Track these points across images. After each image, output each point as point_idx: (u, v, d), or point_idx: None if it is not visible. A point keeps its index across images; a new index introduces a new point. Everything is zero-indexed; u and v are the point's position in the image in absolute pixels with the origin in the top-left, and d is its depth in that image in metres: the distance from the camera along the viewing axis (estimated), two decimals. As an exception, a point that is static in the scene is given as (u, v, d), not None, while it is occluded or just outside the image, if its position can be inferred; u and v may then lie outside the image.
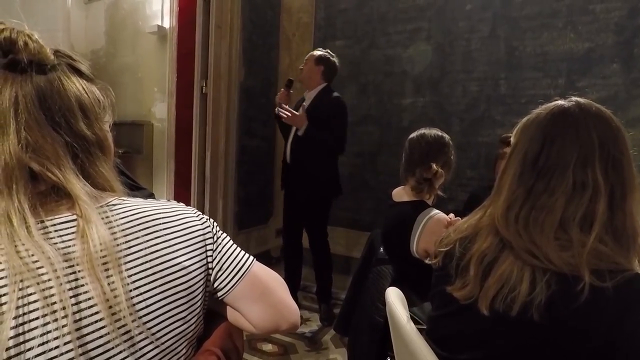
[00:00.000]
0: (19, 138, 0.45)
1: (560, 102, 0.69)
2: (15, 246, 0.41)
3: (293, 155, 2.33)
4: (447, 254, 0.75)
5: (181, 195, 3.04)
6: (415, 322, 0.89)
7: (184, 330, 0.52)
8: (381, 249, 1.41)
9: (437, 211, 1.28)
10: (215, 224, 0.61)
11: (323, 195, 2.37)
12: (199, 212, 0.59)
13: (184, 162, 2.88)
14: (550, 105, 0.69)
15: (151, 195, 1.27)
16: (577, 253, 0.57)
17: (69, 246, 0.44)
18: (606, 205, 0.59)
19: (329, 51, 2.38)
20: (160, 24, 3.11)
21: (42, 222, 0.45)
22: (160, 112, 3.26)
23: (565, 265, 0.57)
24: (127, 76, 3.40)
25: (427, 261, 1.27)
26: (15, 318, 0.39)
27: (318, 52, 2.35)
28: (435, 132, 1.39)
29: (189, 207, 0.59)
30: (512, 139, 0.74)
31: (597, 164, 0.61)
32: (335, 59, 2.36)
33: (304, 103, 2.37)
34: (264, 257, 3.01)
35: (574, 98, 0.68)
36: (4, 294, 0.39)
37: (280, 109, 2.22)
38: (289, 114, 2.18)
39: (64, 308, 0.41)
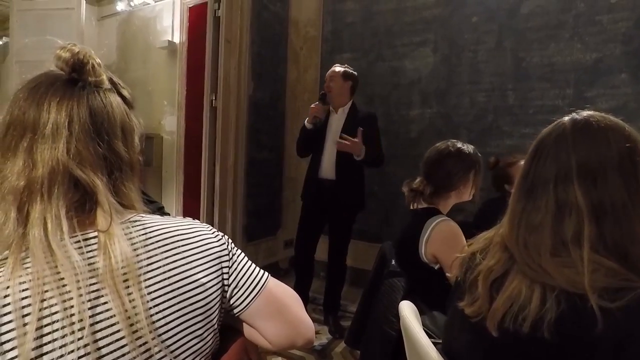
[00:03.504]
0: (68, 147, 0.48)
1: (565, 118, 0.68)
2: (44, 253, 0.42)
3: (341, 171, 2.28)
4: (463, 264, 0.76)
5: (190, 207, 3.07)
6: (429, 336, 0.89)
7: (200, 348, 0.52)
8: (393, 262, 1.41)
9: (445, 217, 1.28)
10: (230, 240, 0.61)
11: (358, 208, 2.39)
12: (214, 229, 0.60)
13: (193, 174, 2.91)
14: (554, 123, 0.69)
15: (161, 209, 1.29)
16: (580, 271, 0.56)
17: (95, 262, 0.45)
18: (592, 222, 0.58)
19: (347, 65, 2.37)
20: (170, 39, 3.19)
21: (76, 235, 0.46)
22: (169, 124, 3.31)
23: (568, 283, 0.56)
24: (137, 90, 3.47)
25: (436, 267, 1.27)
26: (37, 329, 0.40)
27: (341, 69, 2.32)
28: (444, 146, 1.38)
29: (203, 223, 0.60)
30: None
31: (576, 181, 0.60)
32: (356, 73, 2.36)
33: (333, 119, 2.34)
34: (272, 269, 3.01)
35: (580, 113, 0.67)
36: (28, 305, 0.40)
37: (340, 139, 2.15)
38: (349, 142, 2.12)
39: (81, 320, 0.41)
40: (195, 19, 3.02)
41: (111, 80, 0.56)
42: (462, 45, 2.63)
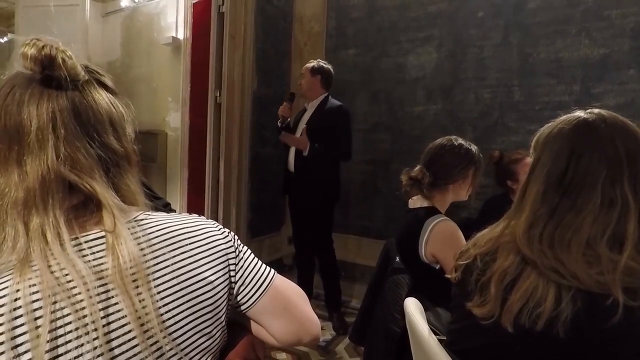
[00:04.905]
0: (57, 152, 0.46)
1: (583, 114, 0.67)
2: (49, 264, 0.42)
3: (297, 165, 2.35)
4: (467, 268, 0.74)
5: (194, 203, 3.08)
6: (434, 332, 0.89)
7: (209, 345, 0.52)
8: (397, 258, 1.41)
9: (445, 217, 1.28)
10: (237, 237, 0.61)
11: (325, 201, 2.40)
12: (220, 226, 0.60)
13: (198, 171, 2.91)
14: (572, 118, 0.67)
15: (167, 205, 1.29)
16: (606, 270, 0.55)
17: (101, 263, 0.45)
18: (637, 224, 0.57)
19: (320, 60, 2.44)
20: (174, 35, 3.18)
21: (76, 238, 0.45)
22: (174, 121, 3.32)
23: (593, 283, 0.55)
24: (142, 86, 3.47)
25: (437, 267, 1.27)
26: (50, 332, 0.39)
27: (311, 64, 2.40)
28: (447, 139, 1.39)
29: (210, 220, 0.59)
30: (531, 152, 0.72)
31: (626, 181, 0.59)
32: (329, 67, 2.42)
33: (305, 114, 2.41)
34: (276, 265, 3.02)
35: (596, 110, 0.67)
36: (39, 308, 0.40)
37: (281, 137, 2.28)
38: (291, 139, 2.23)
39: (93, 322, 0.41)
40: (199, 15, 3.01)
41: (87, 69, 0.52)
42: (467, 40, 2.61)
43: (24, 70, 0.48)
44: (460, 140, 1.38)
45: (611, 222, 0.59)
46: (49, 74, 0.48)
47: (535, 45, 2.39)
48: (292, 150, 2.39)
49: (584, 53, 2.25)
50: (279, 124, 2.39)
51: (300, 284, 2.45)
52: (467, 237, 1.22)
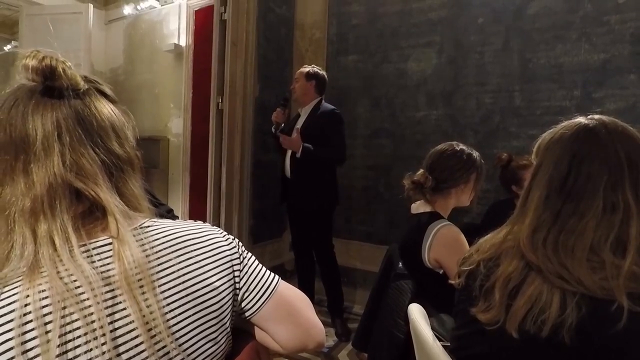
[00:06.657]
0: (63, 159, 0.47)
1: (584, 120, 0.67)
2: (57, 270, 0.42)
3: (293, 170, 2.36)
4: (470, 274, 0.74)
5: (196, 209, 3.08)
6: (438, 339, 0.88)
7: (215, 351, 0.52)
8: (400, 264, 1.41)
9: (448, 222, 1.29)
10: (241, 243, 0.62)
11: (323, 206, 2.40)
12: (225, 232, 0.60)
13: (199, 177, 2.92)
14: (573, 124, 0.68)
15: (170, 211, 1.29)
16: (610, 276, 0.55)
17: (109, 269, 0.45)
18: (639, 228, 0.58)
19: (314, 66, 2.47)
20: (176, 42, 3.21)
21: (84, 245, 0.46)
22: (176, 127, 3.34)
23: (598, 289, 0.55)
24: (144, 93, 3.50)
25: (440, 272, 1.27)
26: (60, 337, 0.40)
27: (306, 69, 2.42)
28: (448, 145, 1.40)
29: (214, 227, 0.60)
30: (533, 157, 0.73)
31: (627, 186, 0.60)
32: (323, 73, 2.45)
33: (299, 119, 2.42)
34: (278, 271, 3.00)
35: (596, 116, 0.67)
36: (48, 313, 0.40)
37: (276, 139, 2.29)
38: (284, 140, 2.24)
39: (101, 327, 0.42)
40: (202, 22, 3.04)
41: (87, 79, 0.54)
42: (468, 46, 2.62)
43: (26, 82, 0.49)
44: (462, 146, 1.40)
45: (614, 226, 0.59)
46: (50, 84, 0.49)
47: (535, 50, 2.40)
48: (288, 156, 2.39)
49: (584, 58, 2.26)
50: (273, 130, 2.42)
51: (300, 289, 2.43)
52: (469, 242, 1.22)
